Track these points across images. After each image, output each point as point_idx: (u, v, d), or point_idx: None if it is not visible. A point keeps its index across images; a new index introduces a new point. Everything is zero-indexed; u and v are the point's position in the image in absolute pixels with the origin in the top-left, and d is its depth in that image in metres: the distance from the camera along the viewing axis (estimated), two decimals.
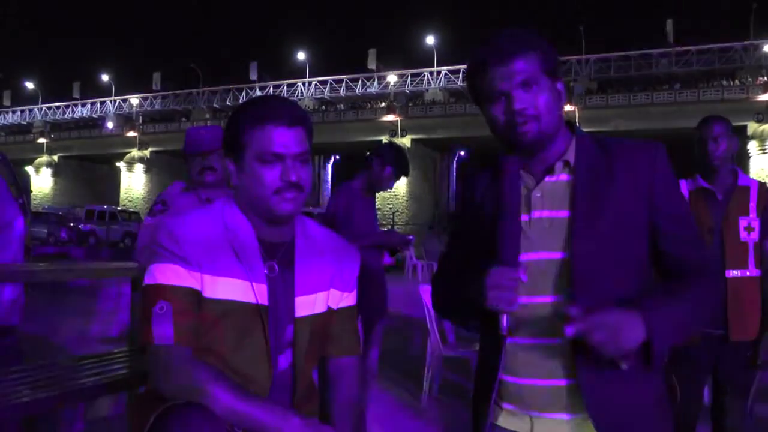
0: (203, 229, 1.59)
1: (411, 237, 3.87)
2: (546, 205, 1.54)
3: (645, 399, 1.50)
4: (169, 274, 1.53)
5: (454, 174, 48.16)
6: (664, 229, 1.51)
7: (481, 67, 1.52)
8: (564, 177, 1.55)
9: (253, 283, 1.57)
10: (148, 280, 1.55)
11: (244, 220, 1.64)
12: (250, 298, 1.57)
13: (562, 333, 1.46)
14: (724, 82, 37.19)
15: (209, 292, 1.55)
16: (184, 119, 51.75)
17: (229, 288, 1.56)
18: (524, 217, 1.55)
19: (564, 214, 1.52)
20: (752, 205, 2.89)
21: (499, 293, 1.40)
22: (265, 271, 1.61)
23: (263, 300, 1.58)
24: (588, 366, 1.45)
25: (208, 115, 51.18)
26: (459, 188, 1.79)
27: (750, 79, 36.23)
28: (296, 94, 47.95)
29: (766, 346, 2.90)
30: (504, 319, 1.44)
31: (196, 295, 1.54)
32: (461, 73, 42.10)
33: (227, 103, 50.94)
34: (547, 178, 1.56)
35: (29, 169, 53.34)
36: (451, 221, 1.90)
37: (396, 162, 3.76)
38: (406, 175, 3.88)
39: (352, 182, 3.83)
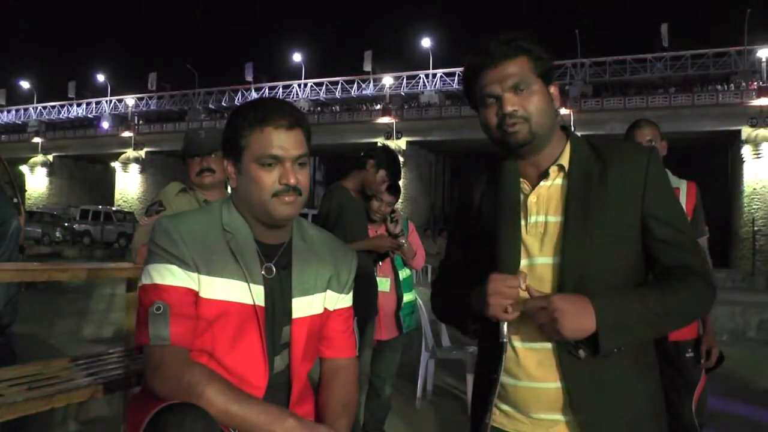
0: (201, 229, 1.59)
1: (403, 240, 3.82)
2: (542, 210, 1.56)
3: (637, 399, 1.51)
4: (166, 275, 1.53)
5: (450, 176, 48.25)
6: (656, 236, 1.52)
7: (474, 72, 1.57)
8: (559, 182, 1.57)
9: (250, 285, 1.58)
10: (145, 281, 1.56)
11: (242, 221, 1.64)
12: (247, 299, 1.57)
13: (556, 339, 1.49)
14: (719, 87, 37.26)
15: (206, 293, 1.55)
16: (179, 120, 51.59)
17: (227, 289, 1.56)
18: (521, 222, 1.57)
19: (558, 219, 1.53)
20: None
21: (500, 301, 1.41)
22: (263, 272, 1.62)
23: (260, 301, 1.59)
24: (576, 369, 1.46)
25: (203, 116, 51.04)
26: (456, 192, 1.81)
27: (744, 84, 36.33)
28: (292, 96, 47.86)
29: (707, 343, 2.92)
30: (504, 327, 1.45)
31: (193, 295, 1.54)
32: (457, 75, 42.12)
33: (223, 104, 50.81)
34: (542, 183, 1.58)
35: (24, 168, 53.15)
36: (448, 225, 1.91)
37: (389, 165, 3.75)
38: (398, 179, 3.86)
39: (344, 183, 3.80)
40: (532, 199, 1.57)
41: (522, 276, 1.44)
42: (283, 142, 1.58)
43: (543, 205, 1.56)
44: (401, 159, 41.14)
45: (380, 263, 3.86)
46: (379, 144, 38.82)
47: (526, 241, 1.56)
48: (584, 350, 1.43)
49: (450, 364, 5.69)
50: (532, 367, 1.52)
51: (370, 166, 3.70)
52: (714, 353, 2.92)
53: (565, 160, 1.58)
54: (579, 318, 1.37)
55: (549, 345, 1.51)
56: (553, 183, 1.57)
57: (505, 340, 1.47)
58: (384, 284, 3.87)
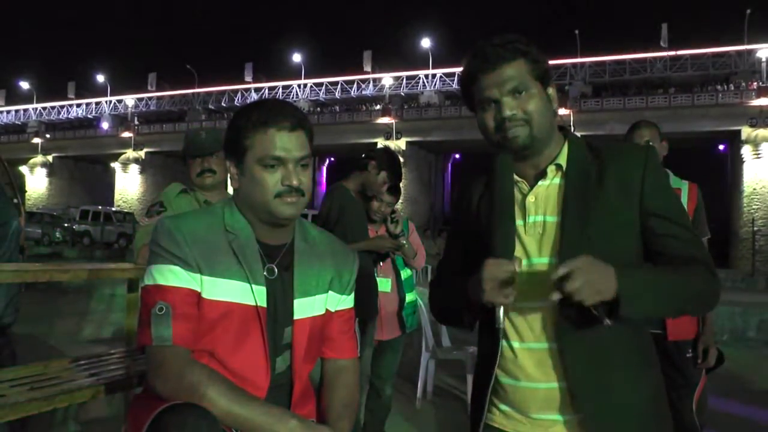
0: (203, 230, 1.60)
1: (404, 241, 3.83)
2: (540, 210, 1.56)
3: (639, 397, 1.51)
4: (168, 276, 1.54)
5: (449, 176, 48.29)
6: (657, 231, 1.52)
7: (472, 76, 1.56)
8: (557, 181, 1.57)
9: (253, 285, 1.58)
10: (147, 281, 1.56)
11: (245, 222, 1.64)
12: (249, 300, 1.58)
13: (557, 335, 1.49)
14: (719, 87, 37.27)
15: (209, 294, 1.55)
16: (179, 120, 51.59)
17: (229, 290, 1.57)
18: (519, 222, 1.57)
19: (556, 218, 1.54)
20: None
21: (495, 285, 1.41)
22: (265, 273, 1.62)
23: (262, 302, 1.59)
24: (577, 368, 1.47)
25: (203, 116, 51.09)
26: (455, 193, 1.81)
27: (744, 84, 36.35)
28: (291, 96, 47.87)
29: (704, 342, 2.93)
30: (500, 312, 1.45)
31: (195, 296, 1.54)
32: (456, 75, 42.09)
33: (222, 104, 50.87)
34: (540, 183, 1.58)
35: (24, 169, 53.16)
36: (448, 226, 1.91)
37: (390, 167, 3.76)
38: (399, 180, 3.87)
39: (345, 183, 3.80)
40: (530, 199, 1.57)
41: (517, 261, 1.43)
42: (286, 143, 1.59)
43: (541, 204, 1.56)
44: (401, 159, 41.17)
45: (381, 264, 3.86)
46: (380, 145, 38.67)
47: (525, 241, 1.55)
48: (601, 316, 1.37)
49: (450, 365, 5.70)
50: (531, 368, 1.53)
51: (372, 167, 3.71)
52: (712, 353, 2.92)
53: (562, 160, 1.58)
54: (603, 277, 1.34)
55: (548, 345, 1.51)
56: (551, 183, 1.58)
57: (501, 326, 1.46)
58: (385, 284, 3.87)
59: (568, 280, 1.32)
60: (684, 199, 2.98)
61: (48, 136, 55.35)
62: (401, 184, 4.10)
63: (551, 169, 1.57)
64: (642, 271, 1.44)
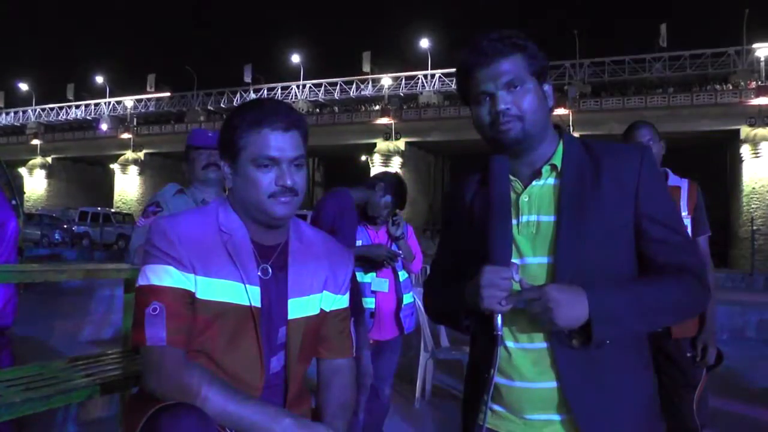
0: (198, 230, 1.59)
1: (400, 252, 3.90)
2: (534, 210, 1.55)
3: (633, 398, 1.51)
4: (162, 276, 1.53)
5: (449, 177, 48.30)
6: (649, 235, 1.52)
7: (468, 69, 1.55)
8: (551, 181, 1.56)
9: (247, 286, 1.58)
10: (141, 281, 1.56)
11: (239, 222, 1.64)
12: (243, 300, 1.57)
13: (550, 335, 1.48)
14: (718, 86, 37.27)
15: (203, 294, 1.55)
16: (176, 121, 51.57)
17: (223, 290, 1.56)
18: (513, 222, 1.56)
19: (551, 218, 1.53)
20: (683, 204, 2.96)
21: (493, 293, 1.41)
22: (259, 273, 1.62)
23: (256, 302, 1.59)
24: (571, 368, 1.46)
25: (202, 117, 51.02)
26: (449, 192, 1.80)
27: (743, 84, 36.34)
28: (290, 97, 47.84)
29: (703, 340, 2.93)
30: (498, 319, 1.45)
31: (189, 296, 1.54)
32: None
33: (221, 105, 50.83)
34: (534, 183, 1.57)
35: (23, 170, 53.09)
36: (443, 225, 1.91)
37: (396, 193, 3.86)
38: (401, 207, 3.96)
39: (350, 192, 3.82)
40: (524, 198, 1.57)
41: (515, 267, 1.43)
42: (280, 143, 1.58)
43: (535, 204, 1.56)
44: (400, 159, 41.23)
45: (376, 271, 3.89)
46: (379, 146, 38.35)
47: (518, 241, 1.55)
48: (577, 340, 1.44)
49: (449, 365, 5.69)
50: (526, 368, 1.52)
51: (379, 188, 3.80)
52: (711, 352, 2.92)
53: (557, 160, 1.57)
54: (572, 307, 1.37)
55: (543, 345, 1.50)
56: (546, 182, 1.57)
57: (499, 332, 1.46)
58: (383, 285, 3.87)
59: (535, 303, 1.38)
60: (684, 197, 2.98)
61: (47, 137, 55.24)
62: None
63: (546, 169, 1.57)
64: (617, 291, 1.43)
